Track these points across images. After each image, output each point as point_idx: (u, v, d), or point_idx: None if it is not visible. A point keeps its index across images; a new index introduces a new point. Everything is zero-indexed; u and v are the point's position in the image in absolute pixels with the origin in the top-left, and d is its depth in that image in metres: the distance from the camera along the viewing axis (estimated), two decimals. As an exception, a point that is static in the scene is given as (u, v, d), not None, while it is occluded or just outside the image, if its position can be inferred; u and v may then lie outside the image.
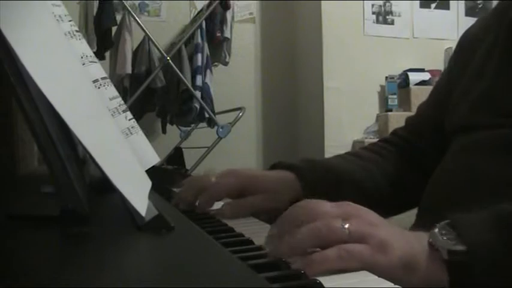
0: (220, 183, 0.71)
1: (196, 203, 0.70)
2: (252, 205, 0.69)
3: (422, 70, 3.49)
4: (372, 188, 0.79)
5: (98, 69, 0.57)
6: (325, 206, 0.46)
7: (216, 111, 2.94)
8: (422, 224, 0.68)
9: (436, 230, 0.45)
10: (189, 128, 3.31)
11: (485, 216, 0.46)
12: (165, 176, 1.02)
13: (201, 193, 0.70)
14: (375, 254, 0.41)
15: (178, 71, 2.75)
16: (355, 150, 0.90)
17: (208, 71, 2.95)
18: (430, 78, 3.44)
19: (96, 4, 2.80)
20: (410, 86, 3.40)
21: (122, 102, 0.62)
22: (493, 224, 0.44)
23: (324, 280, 0.37)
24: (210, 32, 3.00)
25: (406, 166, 0.84)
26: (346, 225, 0.42)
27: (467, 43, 0.79)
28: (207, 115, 2.87)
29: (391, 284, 0.37)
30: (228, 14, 3.05)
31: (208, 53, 2.98)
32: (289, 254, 0.41)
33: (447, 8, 3.74)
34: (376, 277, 0.39)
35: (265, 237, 0.46)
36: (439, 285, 0.42)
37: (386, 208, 0.75)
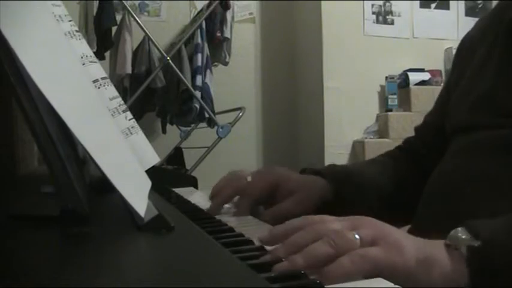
0: (254, 184, 0.74)
1: (233, 207, 0.74)
2: (288, 212, 0.70)
3: (422, 70, 3.49)
4: (386, 186, 0.81)
5: (98, 69, 0.57)
6: (333, 219, 0.46)
7: (216, 111, 2.94)
8: (421, 223, 0.69)
9: (453, 232, 0.45)
10: (189, 128, 3.31)
11: (499, 221, 0.47)
12: (165, 176, 1.02)
13: (236, 194, 0.74)
14: (389, 255, 0.41)
15: (178, 71, 2.75)
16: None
17: (208, 71, 2.95)
18: (430, 78, 3.44)
19: (96, 4, 2.80)
20: (410, 86, 3.40)
21: (122, 102, 0.62)
22: (509, 226, 0.45)
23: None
24: (210, 32, 3.00)
25: (409, 168, 0.85)
26: (357, 235, 0.42)
27: (467, 44, 0.79)
28: (207, 115, 2.87)
29: (391, 284, 0.37)
30: (228, 14, 3.05)
31: (208, 53, 2.98)
32: (307, 267, 0.40)
33: (447, 8, 3.74)
34: (377, 278, 0.39)
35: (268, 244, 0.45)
36: (461, 283, 0.43)
37: (393, 209, 0.79)
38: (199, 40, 2.91)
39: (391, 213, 0.63)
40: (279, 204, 0.72)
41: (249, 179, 0.74)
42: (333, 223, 0.45)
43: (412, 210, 0.74)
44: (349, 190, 0.76)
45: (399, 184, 0.82)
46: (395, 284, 0.39)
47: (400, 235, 0.44)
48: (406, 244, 0.42)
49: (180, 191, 0.92)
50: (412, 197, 0.75)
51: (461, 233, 0.45)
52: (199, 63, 2.89)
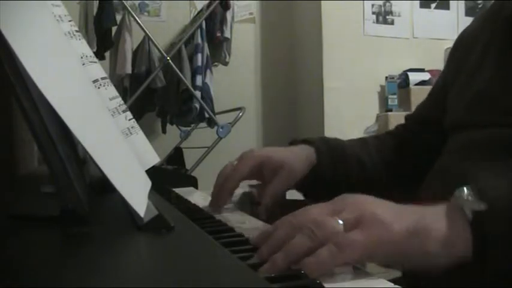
0: (238, 171, 0.73)
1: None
2: (275, 193, 0.72)
3: (422, 70, 3.49)
4: (369, 162, 0.82)
5: (98, 69, 0.57)
6: (314, 207, 0.45)
7: (216, 111, 2.94)
8: None
9: (458, 192, 0.45)
10: (189, 128, 3.31)
11: (505, 182, 0.46)
12: (165, 176, 1.02)
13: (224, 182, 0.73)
14: (371, 233, 0.40)
15: (178, 71, 2.75)
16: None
17: (208, 71, 2.95)
18: (430, 78, 3.44)
19: (96, 4, 2.80)
20: (410, 86, 3.40)
21: (122, 102, 0.62)
22: None
23: (324, 280, 0.37)
24: (210, 32, 3.00)
25: (394, 148, 0.86)
26: (340, 220, 0.41)
27: (463, 41, 0.79)
28: (207, 115, 2.87)
29: (391, 284, 0.37)
30: (228, 14, 3.05)
31: (208, 53, 2.98)
32: (288, 265, 0.40)
33: (447, 8, 3.74)
34: (377, 278, 0.38)
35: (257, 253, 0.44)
36: (463, 250, 0.42)
37: (380, 184, 0.82)
38: (199, 40, 2.91)
39: (368, 185, 0.67)
40: (266, 188, 0.73)
41: (235, 163, 0.74)
42: (314, 212, 0.44)
43: (393, 188, 0.78)
44: (332, 160, 0.78)
45: (380, 161, 0.83)
46: (388, 261, 0.39)
47: (386, 210, 0.42)
48: (392, 219, 0.41)
49: (180, 191, 0.92)
50: (393, 175, 0.78)
51: (466, 195, 0.44)
52: (199, 63, 2.89)
